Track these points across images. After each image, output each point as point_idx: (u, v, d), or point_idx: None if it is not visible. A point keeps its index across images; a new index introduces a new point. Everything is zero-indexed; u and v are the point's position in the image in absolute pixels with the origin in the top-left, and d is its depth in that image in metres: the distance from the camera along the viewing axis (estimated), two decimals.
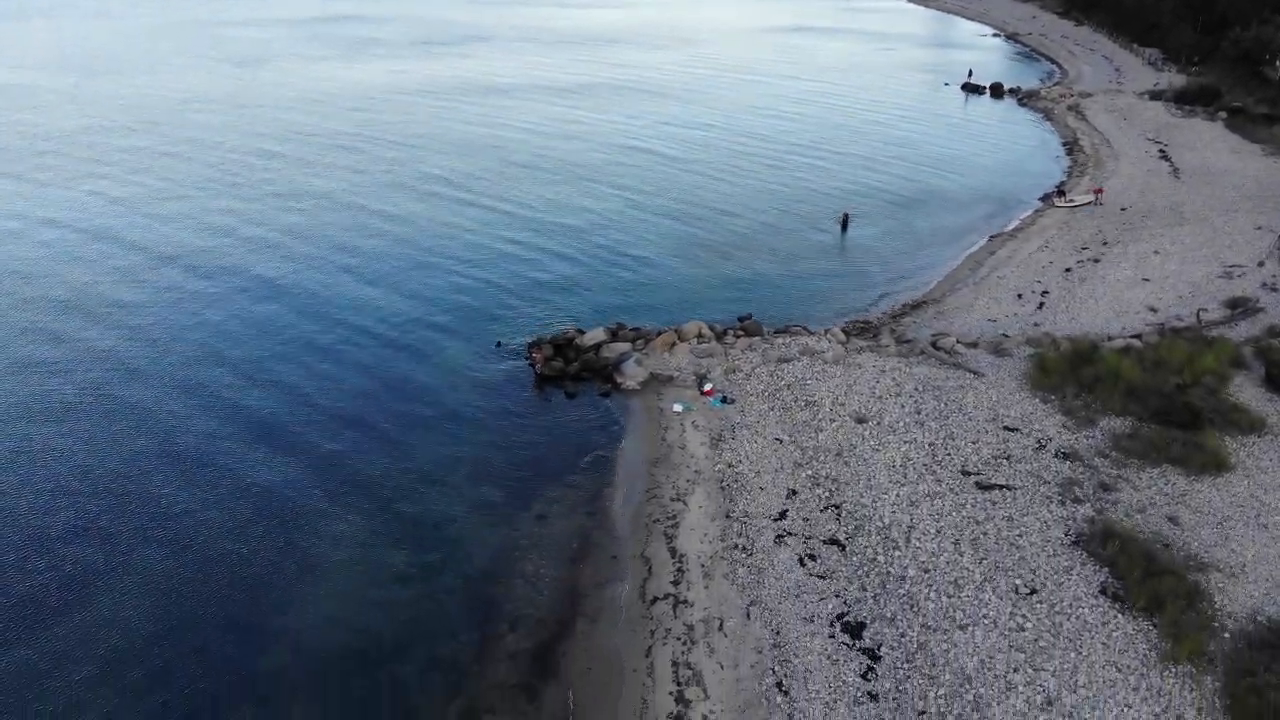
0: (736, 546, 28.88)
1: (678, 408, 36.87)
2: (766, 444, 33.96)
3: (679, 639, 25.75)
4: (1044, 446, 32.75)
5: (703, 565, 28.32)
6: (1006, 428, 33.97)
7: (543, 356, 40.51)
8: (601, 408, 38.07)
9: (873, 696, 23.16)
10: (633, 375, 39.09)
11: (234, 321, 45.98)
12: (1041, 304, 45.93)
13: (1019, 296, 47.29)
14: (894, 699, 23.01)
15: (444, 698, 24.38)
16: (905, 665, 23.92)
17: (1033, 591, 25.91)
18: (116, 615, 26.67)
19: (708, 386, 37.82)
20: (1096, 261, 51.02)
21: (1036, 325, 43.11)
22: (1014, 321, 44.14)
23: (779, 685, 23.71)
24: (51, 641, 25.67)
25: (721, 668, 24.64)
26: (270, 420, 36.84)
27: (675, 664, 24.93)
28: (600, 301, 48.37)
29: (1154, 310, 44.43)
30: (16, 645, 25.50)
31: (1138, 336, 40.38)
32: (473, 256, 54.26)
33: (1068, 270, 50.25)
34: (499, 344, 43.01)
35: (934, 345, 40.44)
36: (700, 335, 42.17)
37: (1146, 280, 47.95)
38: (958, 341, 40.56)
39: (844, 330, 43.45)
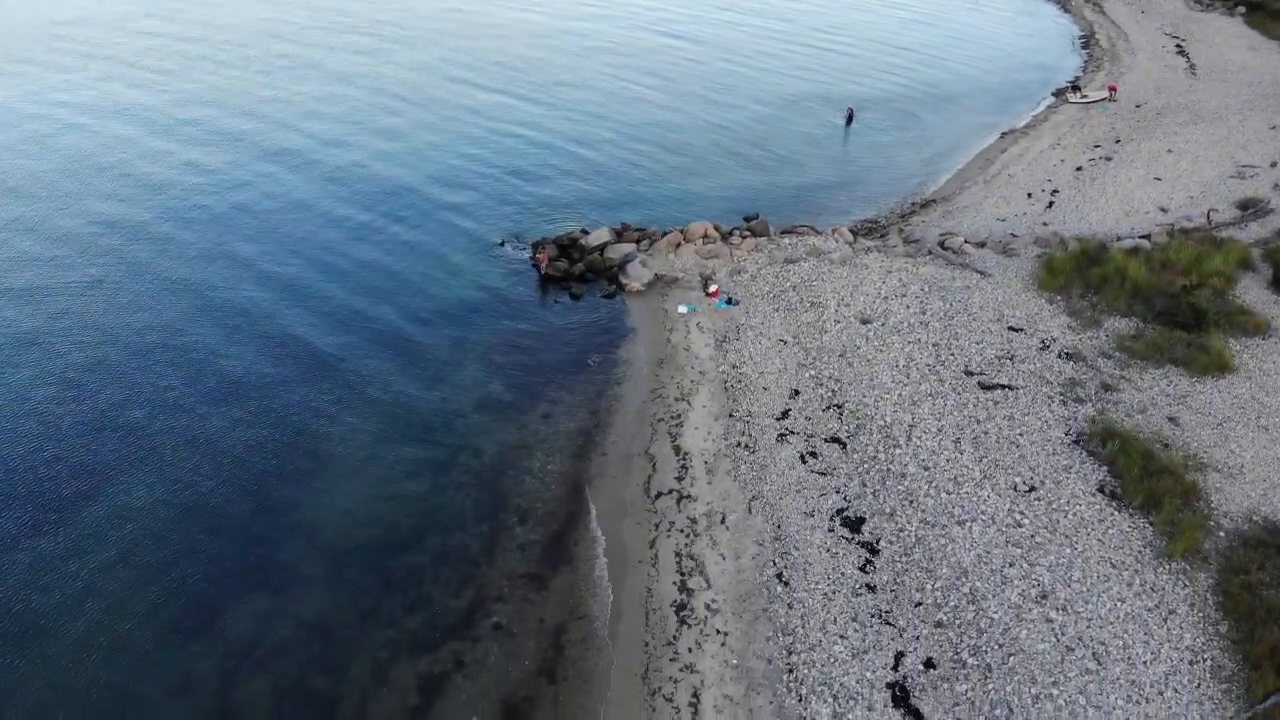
0: (739, 444, 29.02)
1: (683, 309, 36.58)
2: (771, 345, 33.78)
3: (682, 531, 26.10)
4: (1048, 347, 32.53)
5: (706, 462, 28.51)
6: (1011, 328, 33.70)
7: (547, 257, 39.98)
8: (606, 309, 37.79)
9: (870, 588, 23.56)
10: (637, 277, 38.67)
11: (248, 200, 46.04)
12: (1051, 203, 45.06)
13: (1029, 196, 46.37)
14: (891, 590, 23.41)
15: (456, 587, 24.86)
16: (903, 559, 24.25)
17: (1031, 489, 26.08)
18: (130, 506, 26.98)
19: (713, 288, 37.42)
20: (1108, 160, 49.82)
21: (1045, 225, 42.34)
22: (1023, 221, 43.37)
23: (779, 576, 24.11)
24: (68, 529, 26.12)
25: (723, 559, 25.04)
26: (275, 316, 36.65)
27: (679, 555, 25.33)
28: (605, 198, 47.60)
29: (1164, 210, 43.54)
30: (29, 536, 26.02)
31: (1147, 237, 39.72)
32: (475, 148, 53.37)
33: (1079, 169, 49.13)
34: (502, 243, 42.48)
35: (941, 245, 39.85)
36: (706, 236, 41.53)
37: (1158, 180, 46.86)
38: (965, 241, 39.94)
39: (851, 230, 42.80)
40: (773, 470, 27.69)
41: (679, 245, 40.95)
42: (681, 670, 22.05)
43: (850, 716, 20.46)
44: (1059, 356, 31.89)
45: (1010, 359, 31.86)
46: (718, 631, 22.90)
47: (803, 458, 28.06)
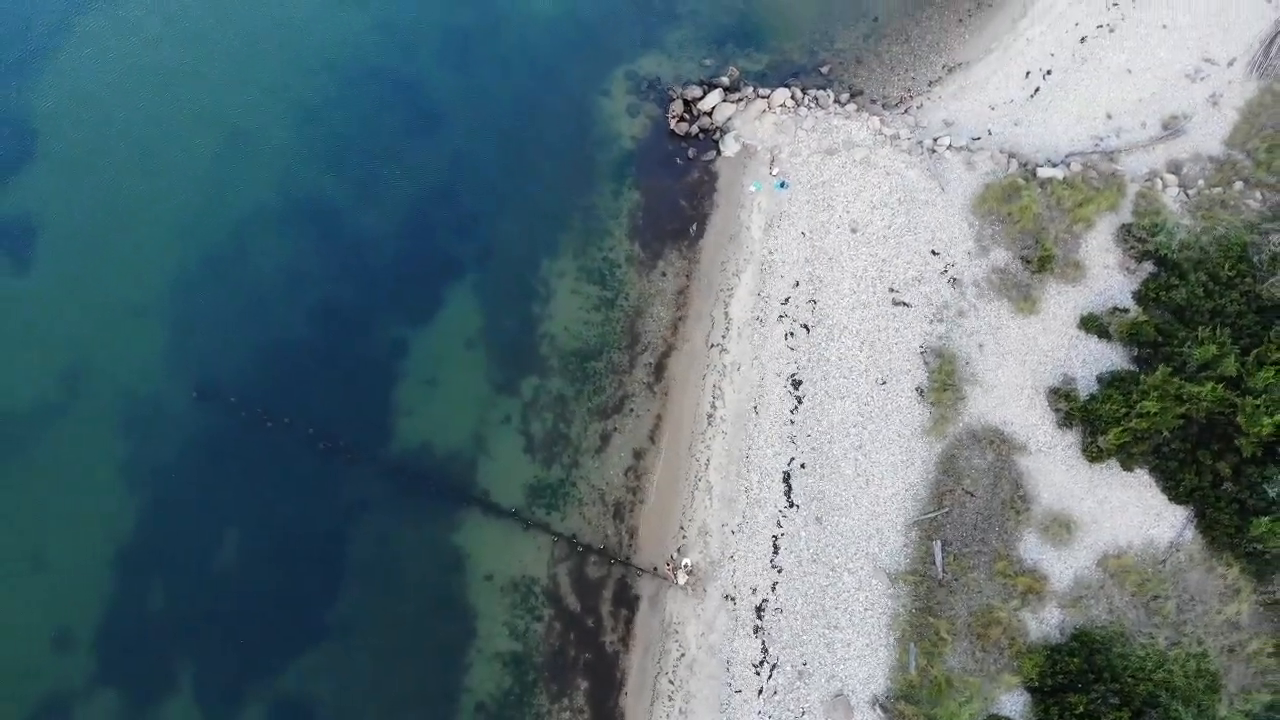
0: (757, 319, 53.90)
1: (752, 188, 57.00)
2: (794, 238, 55.44)
3: (718, 371, 52.94)
4: (946, 271, 54.20)
5: (738, 328, 53.70)
6: (933, 251, 54.44)
7: (677, 117, 58.78)
8: (707, 174, 57.94)
9: (792, 422, 51.21)
10: (730, 148, 57.92)
11: None
12: (1037, 89, 59.35)
13: (1026, 75, 60.01)
14: (799, 426, 50.99)
15: (616, 383, 52.54)
16: (812, 411, 51.26)
17: (884, 382, 51.58)
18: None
19: (775, 170, 57.19)
20: (1111, 31, 60.97)
21: (1016, 125, 58.29)
22: (1005, 113, 58.24)
23: (755, 408, 51.75)
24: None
25: (735, 392, 52.42)
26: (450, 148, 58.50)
27: (714, 386, 52.68)
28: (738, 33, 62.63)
29: (1110, 117, 58.43)
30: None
31: (1070, 161, 56.51)
32: None
33: (1083, 40, 60.98)
34: (648, 87, 60.31)
35: (933, 148, 57.48)
36: (783, 105, 58.98)
37: (1129, 72, 59.50)
38: (950, 145, 57.26)
39: (886, 103, 59.46)
40: (768, 341, 53.03)
41: (763, 112, 58.87)
42: (703, 448, 51.42)
43: (761, 481, 50.05)
44: (947, 281, 53.99)
45: (919, 281, 53.75)
46: (723, 433, 51.61)
47: (784, 336, 53.18)
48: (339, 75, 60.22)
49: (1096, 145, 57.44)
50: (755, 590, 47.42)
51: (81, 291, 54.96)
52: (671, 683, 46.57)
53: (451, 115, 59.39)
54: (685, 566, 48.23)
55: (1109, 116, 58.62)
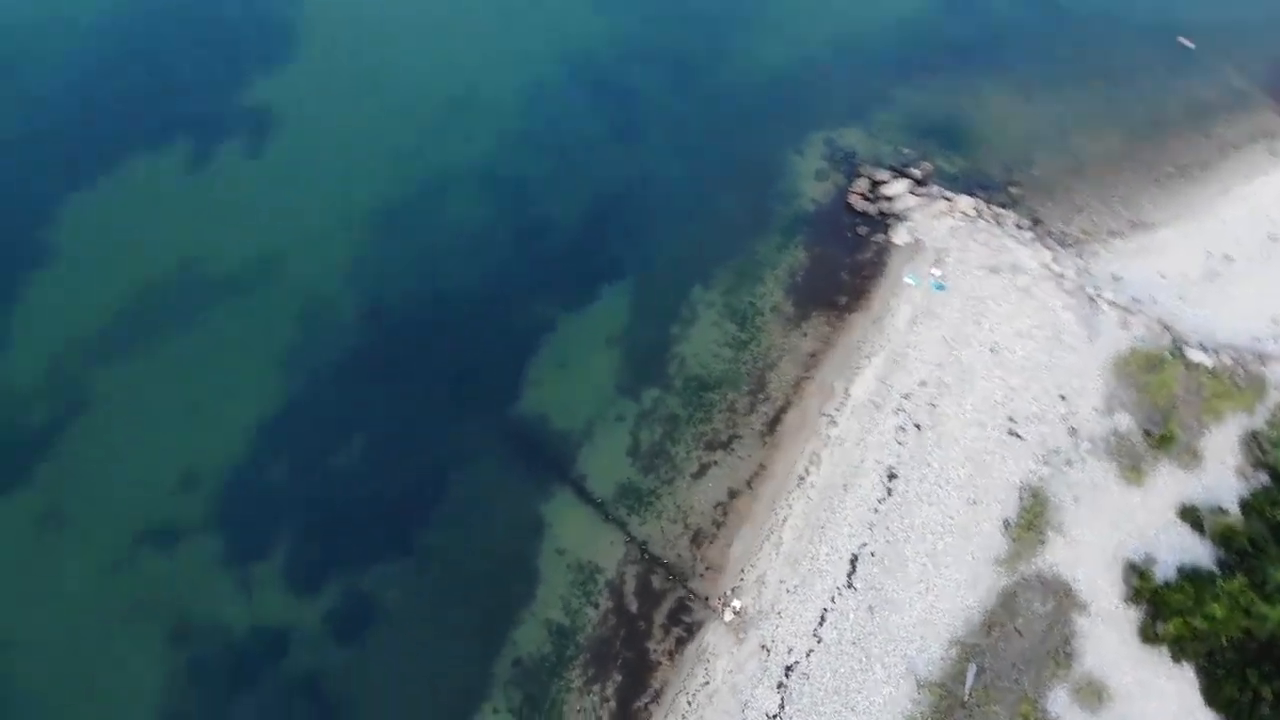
0: (874, 403, 56.15)
1: (909, 280, 58.83)
2: (935, 339, 57.17)
3: (821, 439, 55.57)
4: (1067, 419, 55.18)
5: (854, 406, 56.14)
6: (1061, 395, 55.48)
7: (860, 194, 61.02)
8: (874, 254, 60.00)
9: (876, 511, 53.30)
10: (901, 237, 59.99)
11: None
12: (1214, 272, 59.66)
13: (1207, 254, 59.57)
14: (882, 515, 53.20)
15: (723, 420, 55.89)
16: (898, 508, 53.43)
17: (975, 503, 53.36)
18: None
19: (937, 271, 58.94)
20: None
21: (1181, 299, 58.31)
22: (1174, 285, 58.19)
23: (844, 486, 54.05)
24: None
25: (832, 465, 54.79)
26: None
27: (814, 453, 55.31)
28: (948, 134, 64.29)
29: (1275, 322, 57.87)
30: None
31: (1221, 351, 56.50)
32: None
33: (1271, 238, 60.27)
34: (840, 161, 62.64)
35: (1094, 296, 58.18)
36: (965, 212, 60.52)
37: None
38: (1111, 300, 57.93)
39: (1060, 241, 60.35)
40: (876, 430, 55.16)
41: (943, 213, 60.56)
42: (785, 506, 54.11)
43: (830, 555, 52.62)
44: (1065, 428, 55.03)
45: (1039, 419, 54.94)
46: (808, 498, 54.26)
47: (896, 428, 55.33)
48: (567, 73, 64.53)
49: (1253, 343, 57.26)
50: (791, 650, 50.18)
51: (299, 190, 60.76)
52: (689, 704, 49.81)
53: (653, 132, 63.19)
54: (734, 607, 51.30)
55: (1274, 320, 58.26)
